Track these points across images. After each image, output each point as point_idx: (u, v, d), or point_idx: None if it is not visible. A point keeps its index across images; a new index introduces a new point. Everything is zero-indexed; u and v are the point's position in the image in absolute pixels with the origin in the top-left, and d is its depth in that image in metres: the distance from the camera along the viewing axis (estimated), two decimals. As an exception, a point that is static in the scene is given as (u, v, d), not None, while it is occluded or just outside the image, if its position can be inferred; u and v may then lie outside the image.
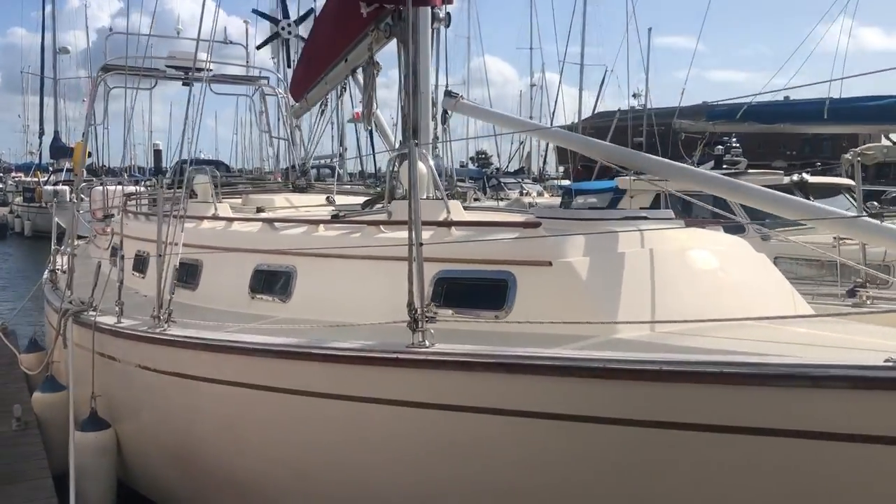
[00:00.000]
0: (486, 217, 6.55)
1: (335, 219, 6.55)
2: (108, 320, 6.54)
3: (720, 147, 29.05)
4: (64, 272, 9.61)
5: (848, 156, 17.06)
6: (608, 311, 4.43)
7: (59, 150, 43.97)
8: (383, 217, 6.44)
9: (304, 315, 5.90)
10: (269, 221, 6.83)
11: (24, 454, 6.73)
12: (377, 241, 5.62)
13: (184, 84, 13.91)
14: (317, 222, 6.39)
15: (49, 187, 38.14)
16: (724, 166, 19.22)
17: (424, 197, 6.57)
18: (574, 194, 15.85)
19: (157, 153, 47.84)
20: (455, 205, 6.07)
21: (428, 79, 7.40)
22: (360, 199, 10.13)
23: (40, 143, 47.59)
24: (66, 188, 37.77)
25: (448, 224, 5.48)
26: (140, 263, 8.36)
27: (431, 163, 6.49)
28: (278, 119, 16.62)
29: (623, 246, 4.81)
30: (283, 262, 6.30)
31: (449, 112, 7.50)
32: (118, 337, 6.24)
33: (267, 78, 14.29)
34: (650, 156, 5.78)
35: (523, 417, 3.77)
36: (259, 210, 8.81)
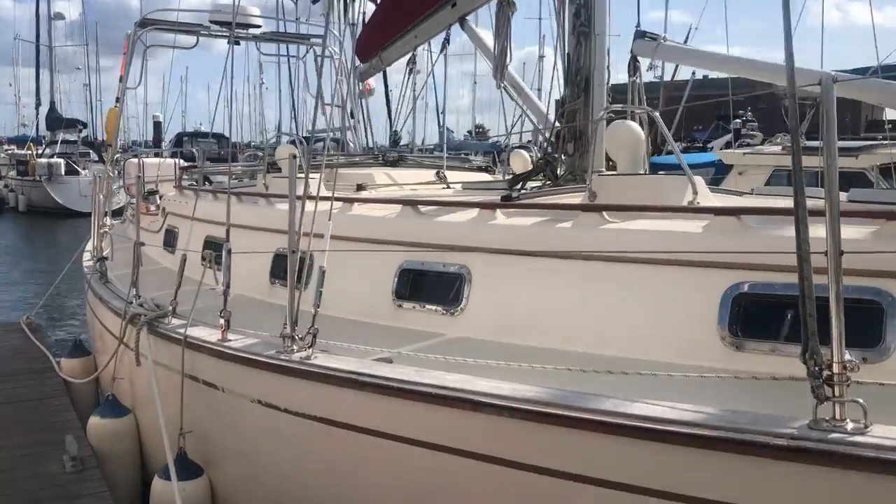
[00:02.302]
0: (740, 201, 4.88)
1: (510, 201, 4.90)
2: (204, 334, 4.88)
3: (737, 121, 27.30)
4: (106, 258, 7.90)
5: None
6: None
7: (56, 120, 41.85)
8: (578, 198, 4.84)
9: (487, 335, 4.31)
10: (413, 204, 5.17)
11: (87, 509, 5.09)
12: (614, 235, 3.99)
13: (229, 42, 12.23)
14: (490, 206, 4.73)
15: (42, 160, 36.16)
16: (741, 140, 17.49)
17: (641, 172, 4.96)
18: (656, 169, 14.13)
19: (157, 125, 46.05)
20: (700, 183, 4.46)
21: (605, 16, 5.76)
22: (471, 176, 8.52)
23: (37, 115, 45.41)
24: (61, 161, 35.97)
25: (730, 212, 3.82)
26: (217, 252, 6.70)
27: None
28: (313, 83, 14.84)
29: None
30: (448, 259, 4.67)
31: (639, 60, 5.84)
32: (226, 360, 4.58)
33: (321, 36, 12.51)
34: None
35: None
36: (359, 188, 7.16)
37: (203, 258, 6.35)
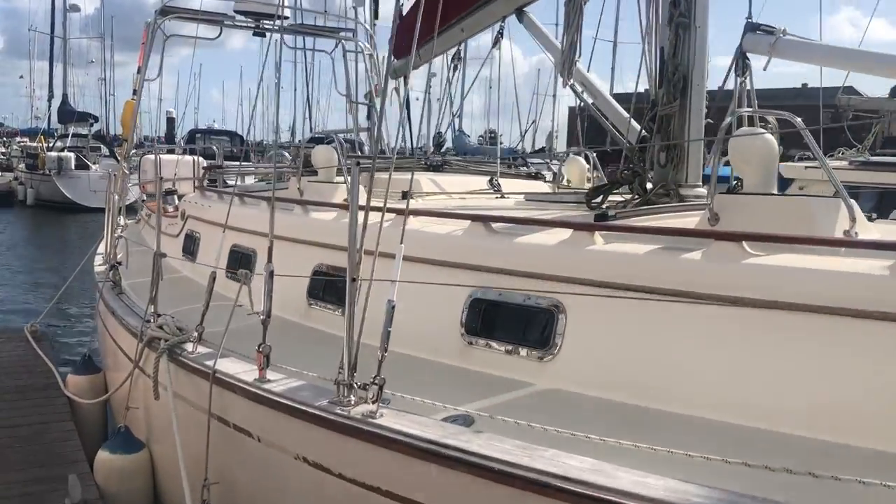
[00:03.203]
0: None
1: (604, 219, 4.11)
2: (237, 370, 4.10)
3: (760, 132, 26.32)
4: (119, 263, 7.09)
5: None
6: None
7: (68, 114, 41.20)
8: (690, 219, 4.07)
9: (588, 388, 3.54)
10: (485, 220, 4.39)
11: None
12: (768, 274, 3.19)
13: (255, 34, 11.57)
14: (584, 227, 3.94)
15: (52, 153, 35.50)
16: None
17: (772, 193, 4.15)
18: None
19: (170, 121, 45.49)
20: (855, 208, 3.68)
21: (707, 6, 4.99)
22: (523, 183, 7.73)
23: (49, 107, 44.68)
24: (71, 155, 35.26)
25: None
26: (243, 265, 5.93)
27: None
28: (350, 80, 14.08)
29: None
30: (533, 290, 3.87)
31: (749, 59, 5.04)
32: (264, 405, 3.80)
33: (352, 30, 11.78)
34: None
35: None
36: (405, 195, 6.37)
37: (227, 272, 5.62)
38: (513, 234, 4.25)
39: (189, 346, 4.62)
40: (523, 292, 3.91)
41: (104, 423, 6.96)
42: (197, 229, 7.35)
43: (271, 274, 3.99)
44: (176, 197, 9.03)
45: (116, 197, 7.78)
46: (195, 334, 4.62)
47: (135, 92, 10.34)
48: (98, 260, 8.54)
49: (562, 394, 3.57)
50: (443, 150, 9.96)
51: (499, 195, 6.83)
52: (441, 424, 3.07)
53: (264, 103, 63.63)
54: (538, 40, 6.94)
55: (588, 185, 7.81)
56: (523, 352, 3.82)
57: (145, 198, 13.81)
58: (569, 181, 7.83)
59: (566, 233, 3.98)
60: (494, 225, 4.37)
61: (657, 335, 3.42)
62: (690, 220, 4.13)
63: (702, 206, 4.31)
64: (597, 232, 3.84)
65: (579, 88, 6.21)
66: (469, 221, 4.46)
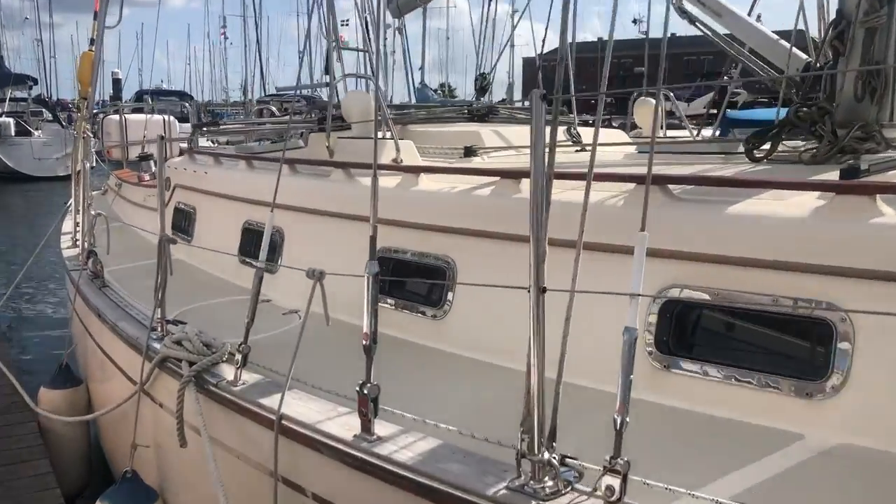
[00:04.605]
0: None
1: (853, 176, 2.80)
2: (313, 414, 2.75)
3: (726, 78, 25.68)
4: (94, 251, 5.56)
5: None
6: None
7: (4, 77, 38.44)
8: None
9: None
10: (662, 182, 3.03)
11: None
12: None
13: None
14: (853, 189, 2.60)
15: None
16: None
17: None
18: (731, 125, 11.69)
19: (116, 81, 43.11)
20: None
21: None
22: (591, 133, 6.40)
23: (-18, 69, 41.66)
24: (10, 121, 32.94)
25: None
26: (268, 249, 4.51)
27: None
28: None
29: None
30: (777, 288, 2.56)
31: None
32: (377, 479, 2.45)
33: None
34: None
35: None
36: (468, 152, 5.02)
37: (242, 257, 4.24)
38: (707, 203, 2.91)
39: (228, 372, 3.24)
40: (763, 291, 2.59)
41: (87, 453, 5.51)
42: (190, 202, 5.88)
43: (376, 276, 2.58)
44: (152, 162, 7.50)
45: (87, 165, 6.19)
46: (236, 355, 3.22)
47: (92, 42, 8.67)
48: (65, 241, 6.98)
49: (857, 453, 2.28)
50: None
51: (579, 148, 5.47)
52: None
53: (212, 62, 61.10)
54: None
55: (663, 132, 6.57)
56: (770, 384, 2.51)
57: (95, 164, 12.16)
58: (640, 128, 6.54)
59: (806, 199, 2.66)
60: (678, 194, 3.03)
61: None
62: None
63: None
64: (878, 196, 2.52)
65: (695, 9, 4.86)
66: (633, 185, 3.11)
